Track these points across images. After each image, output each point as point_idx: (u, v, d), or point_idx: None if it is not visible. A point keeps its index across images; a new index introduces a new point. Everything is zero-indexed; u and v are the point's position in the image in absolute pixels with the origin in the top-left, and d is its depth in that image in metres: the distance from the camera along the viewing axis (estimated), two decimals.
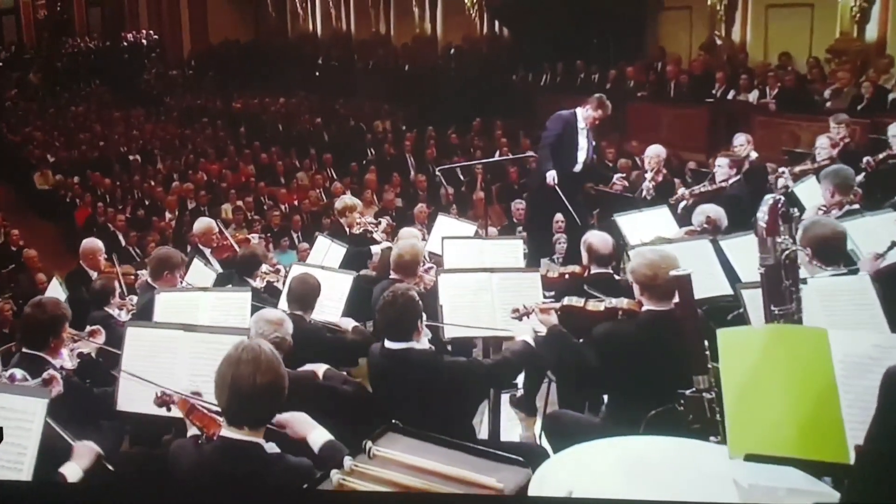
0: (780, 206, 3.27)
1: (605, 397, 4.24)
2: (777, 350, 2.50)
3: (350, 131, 17.44)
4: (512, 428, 5.50)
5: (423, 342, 4.12)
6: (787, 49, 13.25)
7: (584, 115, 8.25)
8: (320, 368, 4.28)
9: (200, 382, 3.64)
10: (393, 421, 2.68)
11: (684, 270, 3.33)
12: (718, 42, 14.54)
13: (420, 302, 4.07)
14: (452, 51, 19.44)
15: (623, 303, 4.10)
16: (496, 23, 18.90)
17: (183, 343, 4.03)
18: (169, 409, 3.30)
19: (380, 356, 4.09)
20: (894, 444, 1.85)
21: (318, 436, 3.05)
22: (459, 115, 16.12)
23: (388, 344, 4.04)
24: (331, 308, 5.82)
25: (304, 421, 3.11)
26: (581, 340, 4.15)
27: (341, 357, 4.88)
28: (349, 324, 5.34)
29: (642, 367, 3.74)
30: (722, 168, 7.33)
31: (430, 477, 2.31)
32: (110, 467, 3.20)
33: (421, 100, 17.94)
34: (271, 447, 2.82)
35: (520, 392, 5.71)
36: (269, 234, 11.05)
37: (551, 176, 8.14)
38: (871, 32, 12.48)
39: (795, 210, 4.00)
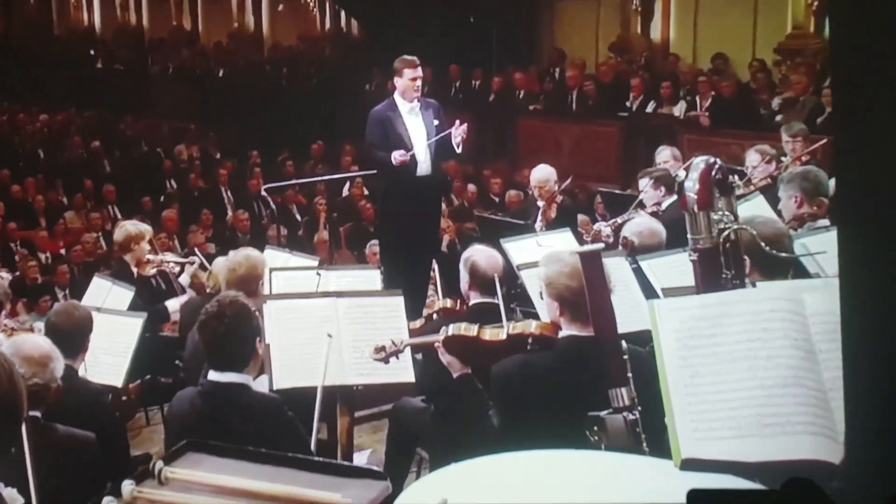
0: (714, 171, 3.28)
1: None
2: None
3: (141, 158, 17.35)
4: None
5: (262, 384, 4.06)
6: (722, 50, 13.95)
7: (403, 88, 8.11)
8: None
9: None
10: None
11: (593, 246, 3.36)
12: None
13: (258, 317, 4.01)
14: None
15: (531, 326, 4.03)
16: (342, 15, 19.18)
17: None
18: None
19: (197, 397, 4.00)
20: None
21: None
22: (295, 137, 16.25)
23: (213, 376, 3.95)
24: (109, 366, 5.71)
25: None
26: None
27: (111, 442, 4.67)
28: None
29: (554, 406, 3.68)
30: (647, 192, 7.43)
31: (247, 499, 2.22)
32: None
33: (241, 116, 17.98)
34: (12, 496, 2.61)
35: None
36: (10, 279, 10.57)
37: (397, 154, 7.88)
38: None
39: (735, 178, 4.08)
